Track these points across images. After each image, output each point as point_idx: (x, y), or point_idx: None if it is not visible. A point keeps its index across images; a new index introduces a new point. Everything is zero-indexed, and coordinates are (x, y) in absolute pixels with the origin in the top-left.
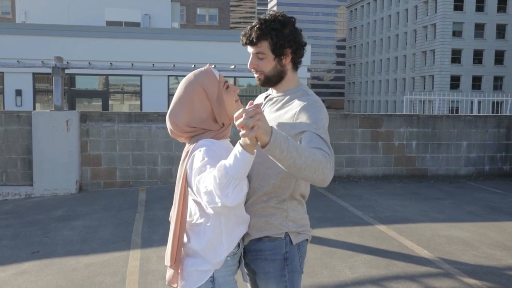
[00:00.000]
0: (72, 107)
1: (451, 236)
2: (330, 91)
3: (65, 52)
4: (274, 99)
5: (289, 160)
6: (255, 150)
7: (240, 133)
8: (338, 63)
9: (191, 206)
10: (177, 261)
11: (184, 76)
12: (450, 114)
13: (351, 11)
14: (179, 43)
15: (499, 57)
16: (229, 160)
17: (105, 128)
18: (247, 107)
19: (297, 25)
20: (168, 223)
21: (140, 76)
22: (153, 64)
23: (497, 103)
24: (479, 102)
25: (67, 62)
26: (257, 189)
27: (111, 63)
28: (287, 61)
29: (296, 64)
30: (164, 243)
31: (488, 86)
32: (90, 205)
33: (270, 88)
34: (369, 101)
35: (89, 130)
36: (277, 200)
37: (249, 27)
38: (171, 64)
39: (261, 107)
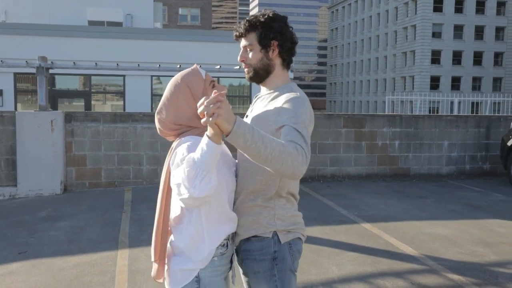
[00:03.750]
0: (54, 107)
1: (435, 234)
2: (312, 92)
3: (47, 51)
4: (263, 96)
5: (254, 150)
6: (222, 141)
7: (202, 121)
8: (320, 63)
9: (174, 203)
10: (160, 256)
11: (169, 76)
12: (432, 114)
13: (332, 12)
14: (163, 43)
15: (478, 58)
16: (197, 152)
17: (90, 128)
18: (211, 95)
19: None
20: None
21: (123, 76)
22: (138, 64)
23: (476, 103)
24: (459, 103)
25: (52, 62)
26: (244, 187)
27: (96, 63)
28: (274, 55)
29: (285, 60)
30: None
31: (467, 86)
32: (76, 205)
33: (261, 89)
34: (350, 101)
35: (74, 130)
36: (264, 198)
37: (239, 24)
38: (155, 64)
39: (251, 106)
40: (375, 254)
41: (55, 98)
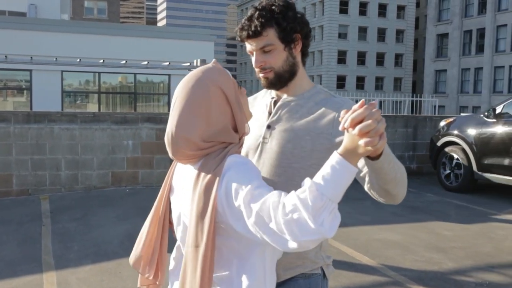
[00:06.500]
0: None
1: (385, 240)
2: None
3: None
4: (292, 103)
5: (392, 172)
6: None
7: (364, 141)
8: (228, 61)
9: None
10: None
11: (85, 72)
12: None
13: (242, 10)
14: (74, 36)
15: (380, 59)
16: (323, 176)
17: None
18: (357, 106)
19: (187, 22)
20: (83, 239)
21: (30, 71)
22: (56, 58)
23: (380, 102)
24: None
25: None
26: None
27: (6, 56)
28: (297, 51)
29: (304, 55)
30: (83, 262)
31: (370, 86)
32: None
33: (272, 91)
34: None
35: None
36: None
37: (245, 18)
38: (70, 59)
39: (274, 114)
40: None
41: None
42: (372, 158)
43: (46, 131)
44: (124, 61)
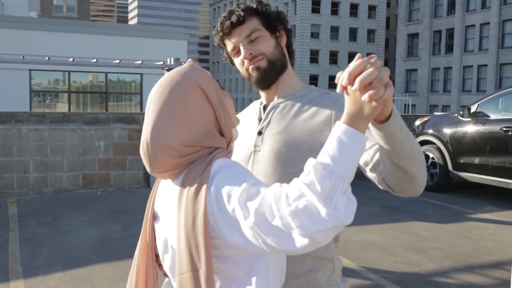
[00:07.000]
0: None
1: (364, 241)
2: None
3: None
4: (282, 105)
5: (407, 143)
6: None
7: (368, 94)
8: (201, 60)
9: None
10: None
11: (56, 71)
12: None
13: (214, 9)
14: (42, 34)
15: (352, 59)
16: (328, 152)
17: None
18: (355, 60)
19: (158, 21)
20: (53, 245)
21: None
22: (23, 57)
23: None
24: None
25: None
26: None
27: None
28: (283, 43)
29: (291, 53)
30: (52, 269)
31: None
32: None
33: (262, 98)
34: (233, 98)
35: None
36: (323, 246)
37: (225, 14)
38: (34, 57)
39: (265, 118)
40: None
41: None
42: (381, 122)
43: (13, 132)
44: (94, 60)
